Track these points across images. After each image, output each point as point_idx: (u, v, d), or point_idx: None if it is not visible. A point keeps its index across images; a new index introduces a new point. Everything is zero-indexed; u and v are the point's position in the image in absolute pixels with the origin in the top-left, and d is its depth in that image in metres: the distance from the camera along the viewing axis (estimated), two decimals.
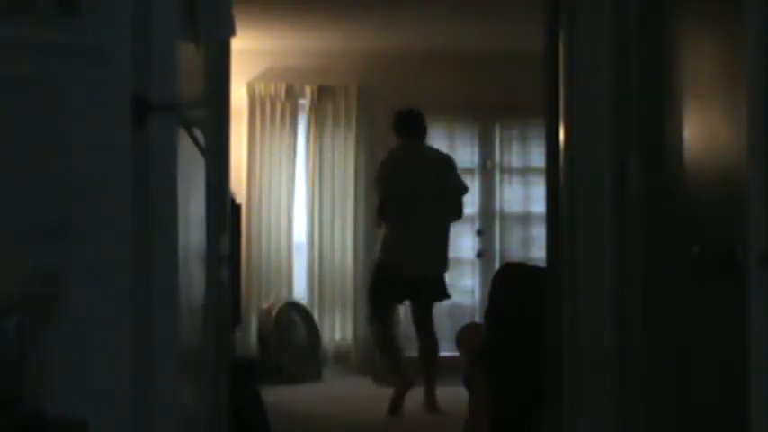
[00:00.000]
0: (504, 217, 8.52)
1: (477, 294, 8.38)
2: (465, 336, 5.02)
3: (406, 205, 6.44)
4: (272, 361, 7.60)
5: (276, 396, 6.57)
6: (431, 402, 6.46)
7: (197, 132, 2.33)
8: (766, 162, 1.84)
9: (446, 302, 8.42)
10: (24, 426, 1.48)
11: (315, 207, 8.17)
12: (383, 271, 6.55)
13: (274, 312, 7.77)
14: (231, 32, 3.41)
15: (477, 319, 7.76)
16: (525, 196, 8.49)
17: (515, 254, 8.29)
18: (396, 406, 6.40)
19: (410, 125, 6.66)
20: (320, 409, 6.68)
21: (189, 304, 2.18)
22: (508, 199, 8.52)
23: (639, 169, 2.82)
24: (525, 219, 8.47)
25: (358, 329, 8.15)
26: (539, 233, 7.76)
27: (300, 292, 8.22)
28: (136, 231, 1.71)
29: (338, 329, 8.13)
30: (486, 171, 8.54)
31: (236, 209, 5.69)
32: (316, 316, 8.02)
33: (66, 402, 1.63)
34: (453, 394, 5.87)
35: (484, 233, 8.47)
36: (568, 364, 2.98)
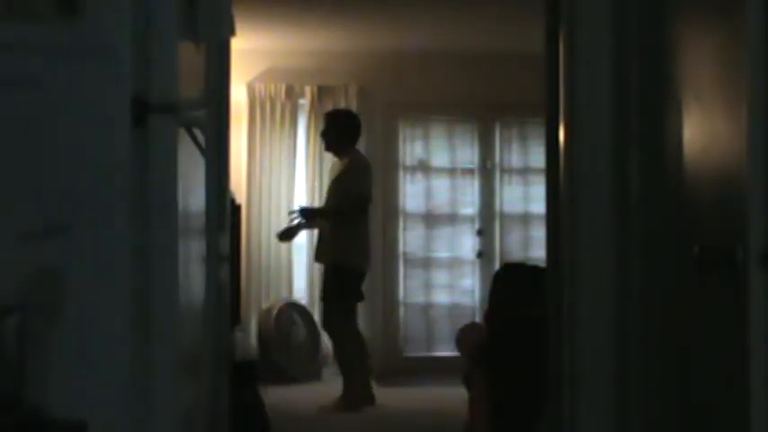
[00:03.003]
0: (504, 217, 8.52)
1: (477, 294, 8.39)
2: (465, 336, 5.02)
3: (366, 208, 6.72)
4: (272, 361, 7.59)
5: (276, 396, 6.58)
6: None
7: (197, 132, 2.33)
8: (766, 162, 1.84)
9: (446, 302, 8.46)
10: (24, 426, 1.48)
11: None
12: (357, 271, 6.69)
13: (274, 312, 7.77)
14: (231, 32, 3.41)
15: (477, 319, 7.76)
16: (525, 196, 8.49)
17: (515, 254, 8.29)
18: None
19: (359, 130, 6.91)
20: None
21: (189, 304, 2.18)
22: (508, 199, 8.52)
23: (639, 169, 2.82)
24: (525, 219, 8.47)
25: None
26: (539, 233, 7.76)
27: (300, 291, 8.22)
28: (136, 231, 1.71)
29: None
30: (486, 171, 8.54)
31: (236, 209, 5.69)
32: (316, 316, 8.01)
33: (67, 402, 1.63)
34: (453, 394, 5.87)
35: (484, 233, 8.47)
36: (568, 363, 2.98)
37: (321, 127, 8.18)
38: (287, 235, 7.04)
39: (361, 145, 8.25)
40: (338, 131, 6.77)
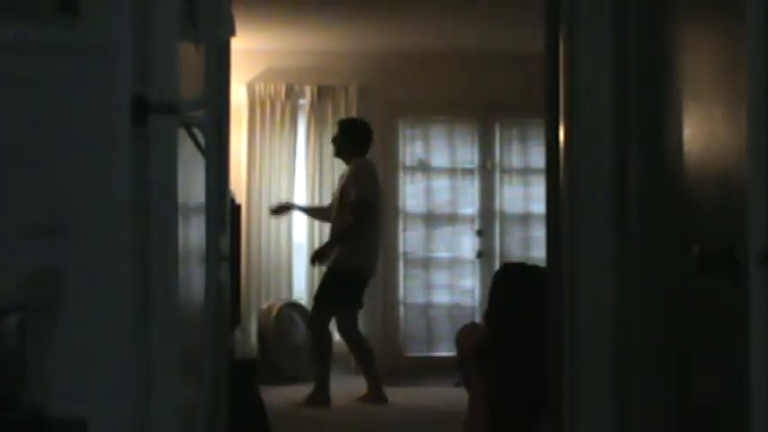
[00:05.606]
0: (504, 217, 8.52)
1: (477, 294, 8.39)
2: (465, 336, 5.01)
3: (375, 211, 6.77)
4: (272, 361, 7.59)
5: (276, 396, 6.58)
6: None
7: (197, 132, 2.33)
8: (766, 162, 1.84)
9: (446, 302, 8.46)
10: (24, 426, 1.48)
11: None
12: (363, 275, 6.76)
13: (274, 312, 7.77)
14: (231, 32, 3.41)
15: (477, 319, 7.75)
16: (525, 196, 8.49)
17: (515, 254, 8.29)
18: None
19: (370, 140, 6.90)
20: (320, 409, 6.67)
21: (189, 304, 2.18)
22: (508, 199, 8.52)
23: (640, 169, 2.82)
24: (525, 219, 8.47)
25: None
26: (539, 233, 7.76)
27: (300, 291, 8.21)
28: (135, 231, 1.71)
29: None
30: (486, 171, 8.54)
31: (236, 209, 5.69)
32: None
33: (66, 402, 1.63)
34: (453, 394, 5.87)
35: (484, 233, 8.47)
36: (569, 364, 2.98)
37: (321, 127, 8.21)
38: (278, 211, 7.24)
39: None
40: (346, 139, 6.82)
